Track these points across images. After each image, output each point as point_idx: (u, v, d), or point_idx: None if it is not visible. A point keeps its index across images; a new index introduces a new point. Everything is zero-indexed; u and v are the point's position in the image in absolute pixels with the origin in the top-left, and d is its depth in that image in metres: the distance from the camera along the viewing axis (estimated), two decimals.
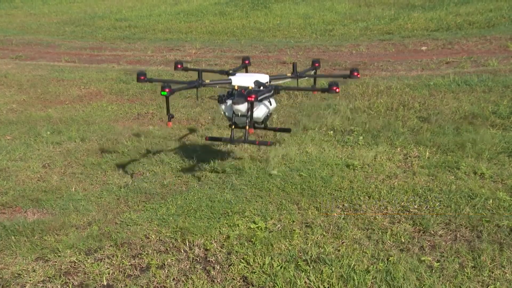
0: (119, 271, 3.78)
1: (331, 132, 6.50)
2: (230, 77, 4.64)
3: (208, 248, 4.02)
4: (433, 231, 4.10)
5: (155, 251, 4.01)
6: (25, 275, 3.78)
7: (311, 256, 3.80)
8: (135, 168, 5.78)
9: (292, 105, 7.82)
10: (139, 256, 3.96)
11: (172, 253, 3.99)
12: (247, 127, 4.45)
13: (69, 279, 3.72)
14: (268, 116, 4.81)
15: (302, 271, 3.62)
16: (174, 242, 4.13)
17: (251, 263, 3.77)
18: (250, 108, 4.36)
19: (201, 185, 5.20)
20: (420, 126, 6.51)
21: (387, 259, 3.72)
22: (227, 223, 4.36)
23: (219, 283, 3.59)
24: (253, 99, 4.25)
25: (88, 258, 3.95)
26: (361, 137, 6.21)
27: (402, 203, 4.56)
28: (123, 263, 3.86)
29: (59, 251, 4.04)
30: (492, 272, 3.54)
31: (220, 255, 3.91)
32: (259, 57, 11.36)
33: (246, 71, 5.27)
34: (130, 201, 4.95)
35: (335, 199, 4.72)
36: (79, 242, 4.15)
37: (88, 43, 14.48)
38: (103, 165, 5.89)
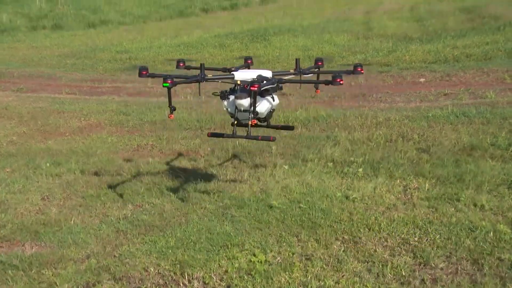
0: None
1: (331, 163, 6.51)
2: (233, 72, 4.63)
3: (207, 281, 3.99)
4: (434, 264, 4.08)
5: (154, 285, 3.98)
6: None
7: None
8: (135, 200, 5.76)
9: (291, 137, 7.84)
10: None
11: (171, 286, 3.95)
12: (250, 122, 4.40)
13: None
14: (271, 112, 4.75)
15: None
16: (173, 275, 4.10)
17: None
18: (253, 98, 4.33)
19: (201, 217, 5.18)
20: (419, 157, 6.52)
21: None
22: (226, 255, 4.33)
23: None
24: (256, 89, 4.22)
25: None
26: (360, 169, 6.21)
27: (403, 236, 4.54)
28: None
29: (57, 286, 4.00)
30: None
31: None
32: None
33: None
34: (129, 233, 4.92)
35: (335, 231, 4.70)
36: (77, 276, 4.11)
37: (88, 75, 14.57)
38: (102, 197, 5.88)
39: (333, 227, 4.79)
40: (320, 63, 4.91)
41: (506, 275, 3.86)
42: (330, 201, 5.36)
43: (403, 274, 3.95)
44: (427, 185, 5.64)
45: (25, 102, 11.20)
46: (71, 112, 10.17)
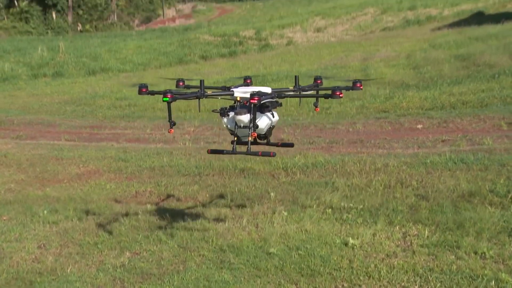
0: None
1: (329, 210, 6.49)
2: (233, 89, 4.64)
3: None
4: None
5: None
6: None
7: None
8: (132, 247, 5.72)
9: (290, 183, 7.84)
10: None
11: None
12: (249, 135, 4.39)
13: None
14: (270, 129, 4.75)
15: None
16: None
17: None
18: (253, 111, 4.33)
19: (199, 264, 5.13)
20: (418, 204, 6.50)
21: None
22: None
23: None
24: (255, 101, 4.22)
25: None
26: (359, 215, 6.19)
27: (403, 284, 4.49)
28: None
29: None
30: None
31: None
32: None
33: None
34: (126, 281, 4.87)
35: (334, 279, 4.65)
36: None
37: (88, 122, 14.66)
38: (99, 244, 5.83)
39: (333, 274, 4.74)
40: (319, 81, 4.92)
41: None
42: (329, 248, 5.32)
43: None
44: (426, 232, 5.61)
45: (24, 149, 11.22)
46: (70, 158, 10.19)
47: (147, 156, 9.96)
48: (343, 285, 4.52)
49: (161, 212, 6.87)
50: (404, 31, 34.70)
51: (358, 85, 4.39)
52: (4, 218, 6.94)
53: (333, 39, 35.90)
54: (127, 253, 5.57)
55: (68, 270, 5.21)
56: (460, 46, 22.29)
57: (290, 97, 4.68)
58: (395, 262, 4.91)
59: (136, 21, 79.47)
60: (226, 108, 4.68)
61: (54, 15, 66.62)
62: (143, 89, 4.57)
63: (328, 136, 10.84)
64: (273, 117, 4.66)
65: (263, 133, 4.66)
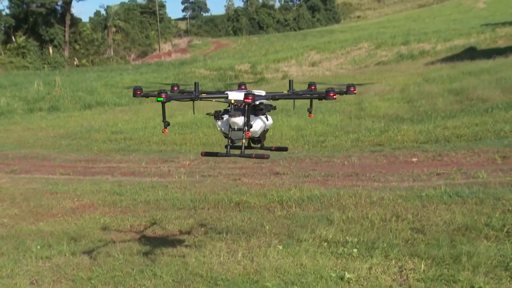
0: None
1: (325, 243, 6.45)
2: (227, 91, 4.63)
3: None
4: None
5: None
6: None
7: None
8: (127, 282, 5.65)
9: (285, 216, 7.81)
10: None
11: None
12: (243, 140, 4.39)
13: None
14: (264, 132, 4.73)
15: None
16: None
17: None
18: (247, 111, 4.31)
19: None
20: (414, 237, 6.48)
21: None
22: None
23: None
24: (250, 101, 4.20)
25: None
26: (355, 249, 6.16)
27: None
28: None
29: None
30: None
31: None
32: (252, 168, 11.49)
33: None
34: None
35: None
36: None
37: (83, 156, 14.64)
38: (93, 280, 5.76)
39: None
40: (313, 87, 4.91)
41: None
42: (325, 282, 5.27)
43: None
44: (422, 266, 5.58)
45: (18, 184, 11.17)
46: (64, 193, 10.14)
47: (142, 190, 9.93)
48: None
49: (155, 246, 6.81)
50: (398, 65, 35.14)
51: (352, 89, 4.33)
52: None
53: (328, 73, 36.30)
54: None
55: None
56: (453, 81, 22.55)
57: (284, 98, 4.66)
58: None
59: (133, 55, 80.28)
60: (220, 111, 4.70)
61: (51, 50, 67.21)
62: (137, 91, 4.52)
63: (324, 169, 10.85)
64: (267, 120, 4.69)
65: (257, 136, 4.67)
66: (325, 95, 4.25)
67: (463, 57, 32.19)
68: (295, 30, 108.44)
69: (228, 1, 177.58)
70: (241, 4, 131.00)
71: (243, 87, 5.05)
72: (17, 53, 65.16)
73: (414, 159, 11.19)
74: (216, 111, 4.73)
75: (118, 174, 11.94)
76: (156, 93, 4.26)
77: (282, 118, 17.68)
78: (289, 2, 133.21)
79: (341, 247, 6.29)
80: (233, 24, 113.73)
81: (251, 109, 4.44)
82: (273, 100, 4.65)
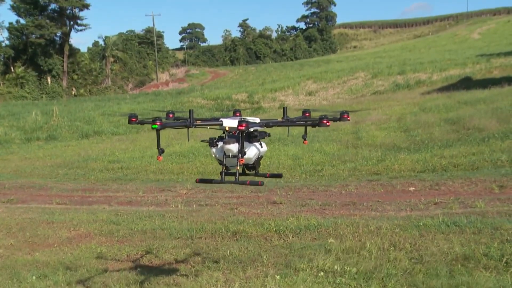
0: None
1: (322, 273, 6.41)
2: (221, 119, 4.63)
3: None
4: None
5: None
6: None
7: None
8: None
9: (283, 246, 7.77)
10: None
11: None
12: (238, 167, 4.36)
13: None
14: (259, 159, 4.72)
15: None
16: None
17: None
18: (241, 138, 4.31)
19: None
20: (412, 267, 6.44)
21: None
22: None
23: None
24: (243, 128, 4.20)
25: None
26: (353, 279, 6.11)
27: None
28: None
29: None
30: None
31: None
32: (249, 197, 11.47)
33: None
34: None
35: None
36: None
37: (80, 185, 14.61)
38: None
39: None
40: (307, 114, 4.93)
41: None
42: None
43: None
44: None
45: (14, 214, 11.12)
46: (61, 222, 10.09)
47: (139, 219, 9.89)
48: None
49: (152, 275, 6.76)
50: (394, 94, 35.38)
51: (346, 116, 4.38)
52: None
53: (325, 102, 36.51)
54: None
55: None
56: (449, 110, 22.68)
57: (278, 125, 4.68)
58: None
59: (130, 85, 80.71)
60: (215, 138, 4.72)
61: (49, 80, 67.57)
62: (133, 118, 4.52)
63: (321, 198, 10.84)
64: (262, 147, 4.69)
65: (251, 163, 4.67)
66: (318, 122, 4.28)
67: (459, 87, 32.48)
68: (292, 59, 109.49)
69: (225, 31, 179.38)
70: (238, 34, 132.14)
71: (237, 114, 5.08)
72: (15, 83, 65.48)
73: (411, 188, 11.19)
74: (210, 138, 4.76)
75: (115, 204, 11.90)
76: (151, 120, 4.29)
77: (279, 147, 17.72)
78: (286, 32, 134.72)
79: (339, 277, 6.25)
80: (230, 54, 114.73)
81: (246, 136, 4.46)
82: (267, 127, 4.67)
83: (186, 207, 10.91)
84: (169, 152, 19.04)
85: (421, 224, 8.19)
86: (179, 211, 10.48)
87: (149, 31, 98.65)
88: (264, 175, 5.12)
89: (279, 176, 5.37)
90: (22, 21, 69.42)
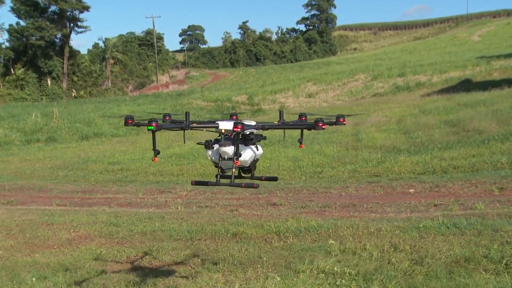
0: None
1: (323, 275, 6.40)
2: (217, 121, 4.63)
3: None
4: None
5: None
6: None
7: None
8: None
9: (283, 247, 7.77)
10: None
11: None
12: (233, 170, 4.35)
13: None
14: (254, 162, 4.70)
15: None
16: None
17: None
18: (236, 140, 4.31)
19: None
20: (413, 269, 6.43)
21: None
22: None
23: None
24: (239, 130, 4.20)
25: None
26: (353, 281, 6.11)
27: None
28: None
29: None
30: None
31: None
32: (249, 198, 11.48)
33: None
34: None
35: None
36: None
37: (80, 187, 14.61)
38: None
39: None
40: (303, 118, 4.92)
41: None
42: None
43: None
44: None
45: (14, 215, 11.11)
46: (61, 224, 10.09)
47: (139, 221, 9.89)
48: None
49: (152, 277, 6.75)
50: (394, 96, 35.40)
51: (341, 120, 4.39)
52: None
53: (325, 104, 36.52)
54: None
55: None
56: (449, 112, 22.69)
57: (273, 128, 4.68)
58: None
59: (130, 87, 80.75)
60: (211, 140, 4.72)
61: (49, 82, 67.60)
62: (129, 120, 4.51)
63: (321, 200, 10.84)
64: (257, 150, 4.68)
65: (247, 165, 4.65)
66: (314, 125, 4.28)
67: (459, 89, 32.50)
68: (292, 62, 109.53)
69: (225, 33, 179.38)
70: (238, 36, 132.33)
71: (234, 117, 5.09)
72: (15, 85, 65.53)
73: (411, 190, 11.19)
74: (206, 141, 4.76)
75: (115, 205, 11.90)
76: (147, 122, 4.31)
77: (279, 149, 17.73)
78: (286, 35, 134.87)
79: (339, 279, 6.25)
80: (230, 56, 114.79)
81: (242, 139, 4.46)
82: (263, 130, 4.67)
83: (186, 208, 10.91)
84: (169, 154, 19.04)
85: (421, 226, 8.19)
86: (179, 212, 10.48)
87: (149, 33, 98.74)
88: (260, 178, 5.09)
89: (275, 179, 5.38)
90: (22, 23, 69.58)
